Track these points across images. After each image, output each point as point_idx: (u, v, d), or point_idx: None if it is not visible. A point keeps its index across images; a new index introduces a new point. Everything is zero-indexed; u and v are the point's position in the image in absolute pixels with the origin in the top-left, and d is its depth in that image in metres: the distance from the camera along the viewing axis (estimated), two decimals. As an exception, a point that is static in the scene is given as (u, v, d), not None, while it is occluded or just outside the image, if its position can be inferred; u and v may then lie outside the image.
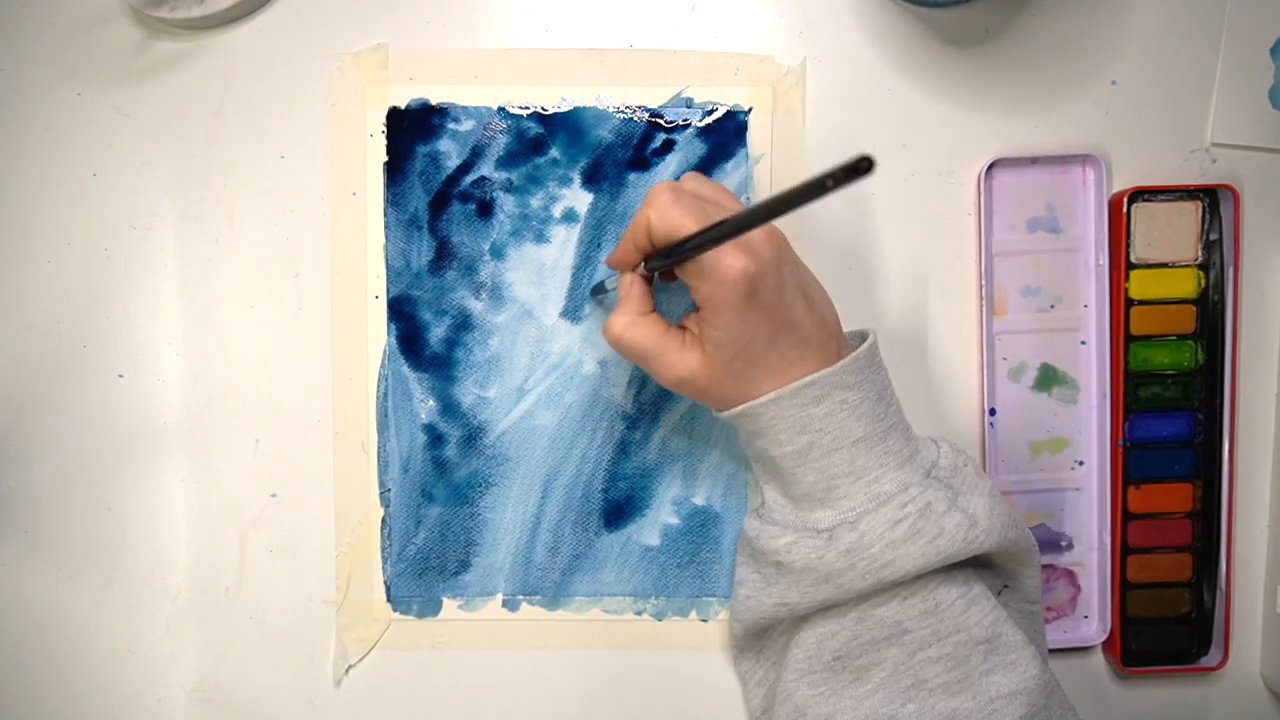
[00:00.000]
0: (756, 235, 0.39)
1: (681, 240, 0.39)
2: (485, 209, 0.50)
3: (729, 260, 0.38)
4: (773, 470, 0.44)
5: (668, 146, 0.50)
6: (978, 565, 0.43)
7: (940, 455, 0.43)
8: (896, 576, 0.40)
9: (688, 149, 0.50)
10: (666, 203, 0.40)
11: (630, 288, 0.43)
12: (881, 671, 0.41)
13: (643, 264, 0.43)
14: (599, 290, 0.50)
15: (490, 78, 0.50)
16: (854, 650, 0.42)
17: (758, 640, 0.47)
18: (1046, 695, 0.41)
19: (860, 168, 0.27)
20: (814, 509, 0.42)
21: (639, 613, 0.51)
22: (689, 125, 0.50)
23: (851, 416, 0.41)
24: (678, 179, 0.48)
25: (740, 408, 0.42)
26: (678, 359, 0.42)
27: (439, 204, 0.50)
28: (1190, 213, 0.49)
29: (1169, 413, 0.50)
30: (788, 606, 0.42)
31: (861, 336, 0.44)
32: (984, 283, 0.50)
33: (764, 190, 0.50)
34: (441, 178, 0.50)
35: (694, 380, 0.42)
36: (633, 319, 0.42)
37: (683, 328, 0.43)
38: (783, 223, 0.50)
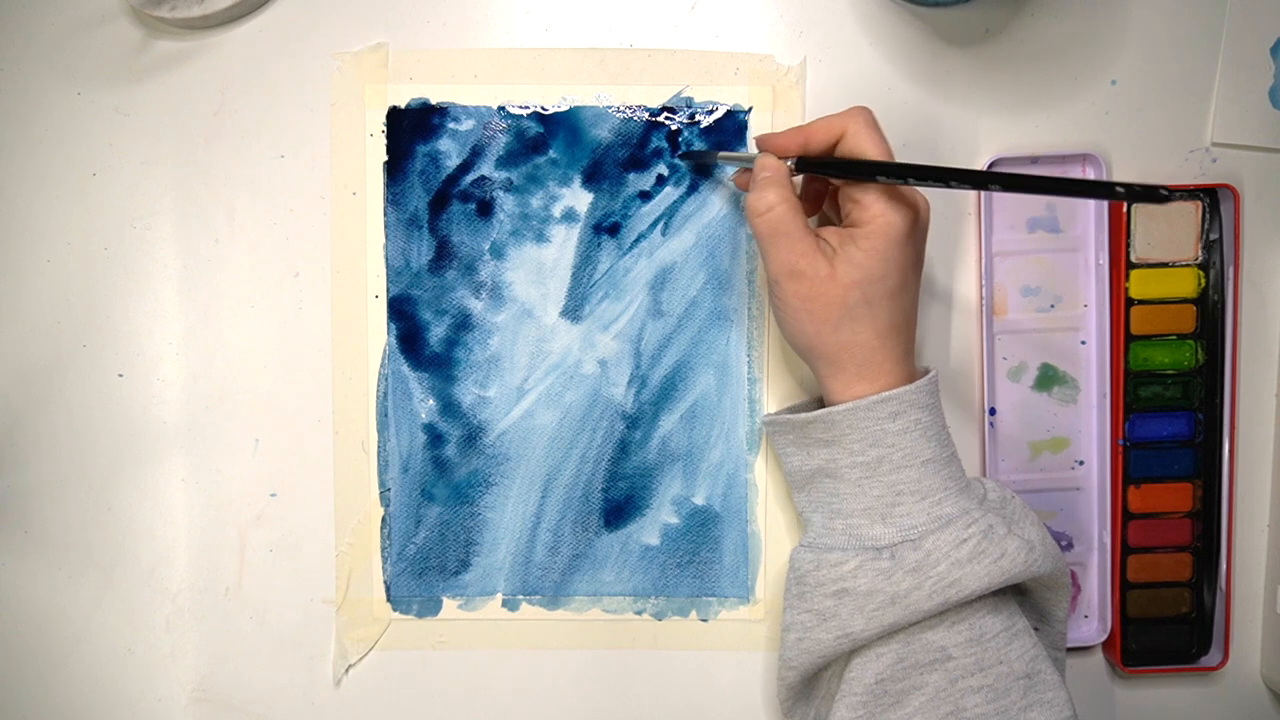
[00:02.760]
0: (922, 199, 0.42)
1: (874, 162, 0.41)
2: (485, 209, 0.50)
3: (907, 200, 0.41)
4: (828, 488, 0.44)
5: (668, 146, 0.50)
6: (1019, 599, 0.43)
7: (988, 490, 0.44)
8: (962, 596, 0.40)
9: (687, 148, 0.50)
10: (867, 124, 0.42)
11: (779, 171, 0.43)
12: (921, 696, 0.41)
13: (793, 162, 0.43)
14: (702, 157, 0.49)
15: (490, 77, 0.50)
16: (897, 674, 0.41)
17: (809, 685, 0.45)
18: None
19: (1159, 195, 0.29)
20: (872, 525, 0.42)
21: (639, 613, 0.51)
22: (689, 125, 0.50)
23: (923, 437, 0.42)
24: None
25: (819, 412, 0.43)
26: (811, 252, 0.41)
27: (439, 204, 0.50)
28: (1190, 212, 0.49)
29: (1169, 412, 0.50)
30: (850, 637, 0.41)
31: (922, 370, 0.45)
32: (984, 282, 0.50)
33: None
34: (441, 177, 0.50)
35: (812, 279, 0.41)
36: (789, 194, 0.42)
37: (815, 233, 0.43)
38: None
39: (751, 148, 0.49)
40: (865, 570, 0.41)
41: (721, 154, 0.48)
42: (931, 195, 0.50)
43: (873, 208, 0.41)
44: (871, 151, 0.41)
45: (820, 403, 0.47)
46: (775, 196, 0.42)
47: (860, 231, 0.41)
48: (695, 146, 0.50)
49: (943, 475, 0.42)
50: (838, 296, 0.41)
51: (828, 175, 0.43)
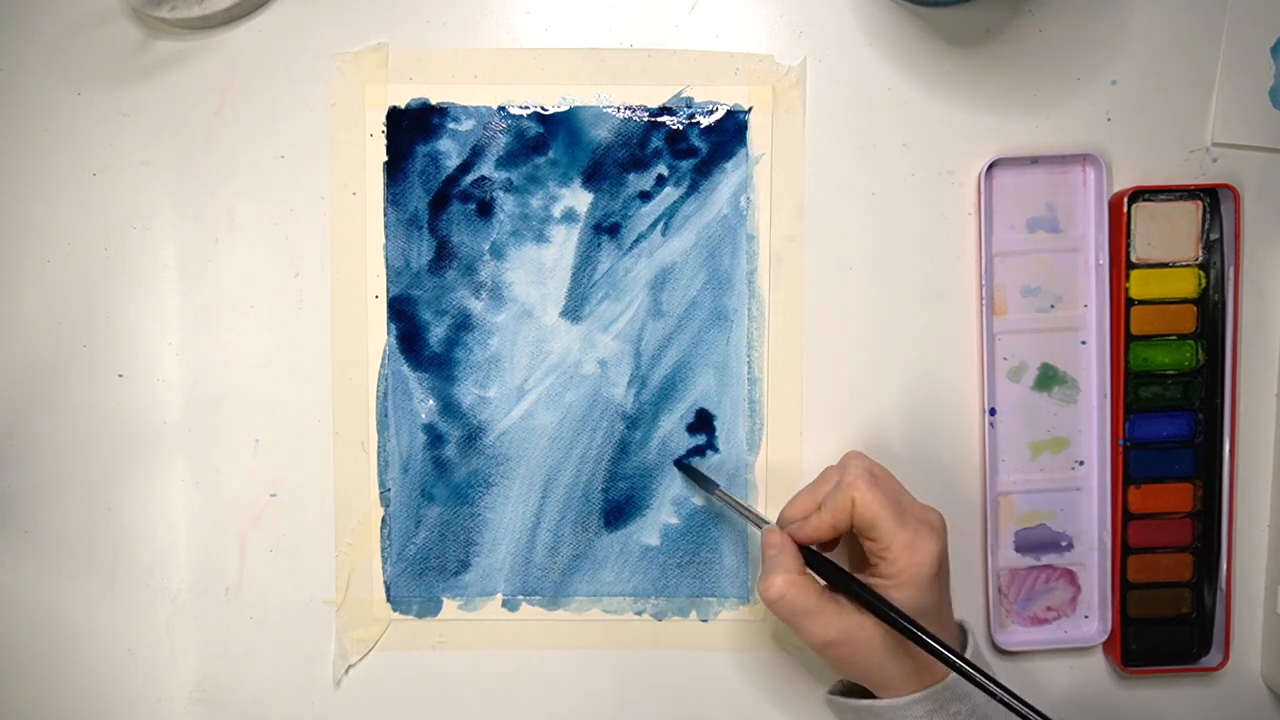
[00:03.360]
0: (935, 517, 0.43)
1: (878, 604, 0.41)
2: (485, 209, 0.50)
3: (927, 535, 0.42)
4: None
5: (668, 146, 0.50)
6: None
7: None
8: None
9: (687, 149, 0.50)
10: (867, 485, 0.42)
11: (784, 550, 0.44)
12: None
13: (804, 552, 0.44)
14: (697, 476, 0.49)
15: (490, 78, 0.50)
16: None
17: None
18: None
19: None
20: None
21: (639, 613, 0.51)
22: (689, 125, 0.50)
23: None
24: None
25: (864, 702, 0.43)
26: (836, 619, 0.42)
27: (439, 204, 0.50)
28: (1190, 212, 0.49)
29: (1169, 412, 0.50)
30: None
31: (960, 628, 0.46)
32: (984, 282, 0.50)
33: (763, 190, 0.50)
34: (441, 177, 0.50)
35: (848, 641, 0.42)
36: (794, 578, 0.42)
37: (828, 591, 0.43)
38: (782, 216, 0.50)
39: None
40: None
41: (720, 491, 0.48)
42: (931, 195, 0.50)
43: (899, 560, 0.42)
44: (883, 516, 0.42)
45: None
46: (783, 583, 0.42)
47: (890, 584, 0.42)
48: (694, 147, 0.50)
49: None
50: (879, 644, 0.42)
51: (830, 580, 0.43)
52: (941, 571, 0.43)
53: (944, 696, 0.42)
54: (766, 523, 0.46)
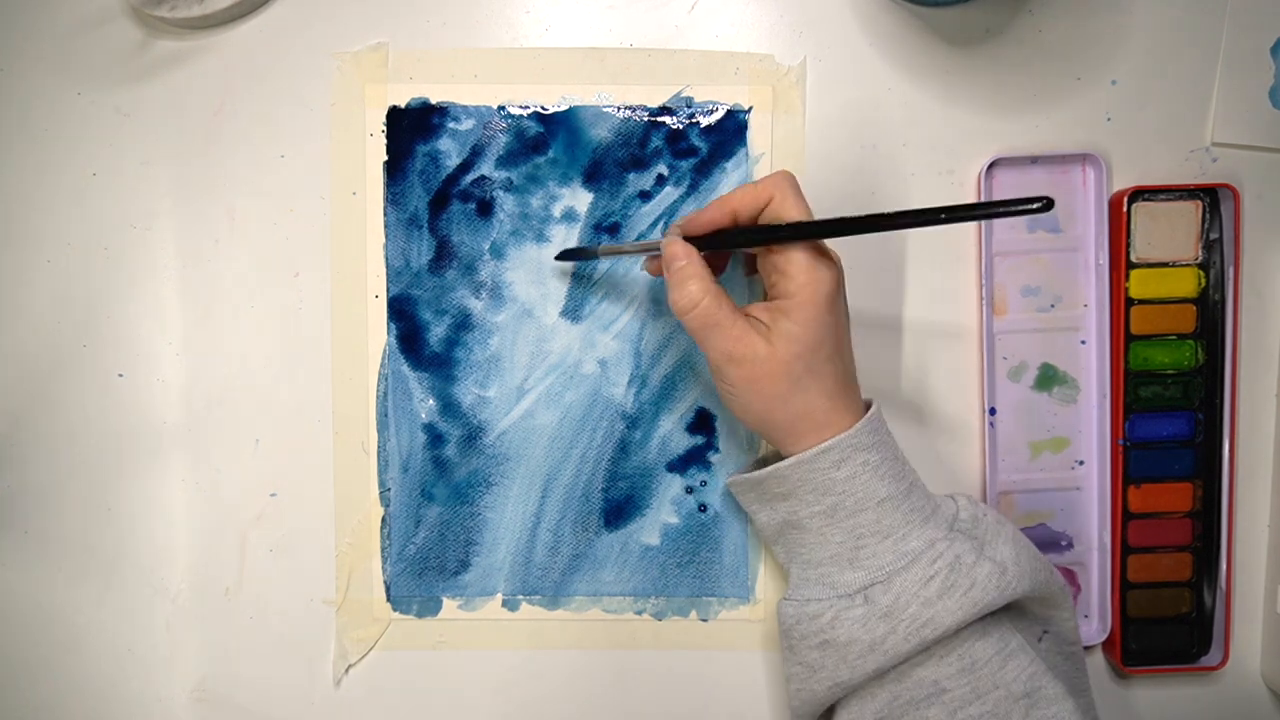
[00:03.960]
0: (835, 254, 0.42)
1: (787, 225, 0.40)
2: (485, 208, 0.50)
3: (828, 260, 0.41)
4: (796, 539, 0.44)
5: (668, 146, 0.50)
6: (1013, 615, 0.43)
7: (959, 509, 0.43)
8: (938, 634, 0.40)
9: (687, 148, 0.50)
10: (792, 187, 0.41)
11: (692, 261, 0.42)
12: None
13: (704, 240, 0.43)
14: (581, 256, 0.48)
15: (490, 77, 0.50)
16: (894, 712, 0.41)
17: None
18: None
19: (1038, 205, 0.31)
20: (843, 571, 0.42)
21: (639, 613, 0.51)
22: (689, 125, 0.50)
23: (874, 477, 0.41)
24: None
25: (768, 469, 0.43)
26: (746, 335, 0.41)
27: (439, 203, 0.50)
28: (1190, 212, 0.49)
29: (1169, 412, 0.50)
30: (841, 685, 0.42)
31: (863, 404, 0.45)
32: (984, 282, 0.50)
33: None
34: (441, 177, 0.50)
35: (751, 361, 0.41)
36: (710, 285, 0.42)
37: (745, 313, 0.43)
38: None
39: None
40: (842, 620, 0.41)
41: (604, 247, 0.48)
42: (931, 195, 0.50)
43: (798, 277, 0.40)
44: (797, 217, 0.41)
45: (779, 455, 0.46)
46: (698, 290, 0.41)
47: (790, 303, 0.41)
48: (694, 147, 0.50)
49: (903, 510, 0.42)
50: (782, 372, 0.41)
51: (737, 248, 0.42)
52: (840, 302, 0.42)
53: (849, 445, 0.41)
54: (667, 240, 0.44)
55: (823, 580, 0.43)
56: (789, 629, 0.44)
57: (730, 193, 0.42)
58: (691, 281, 0.41)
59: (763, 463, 0.49)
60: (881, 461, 0.42)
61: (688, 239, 0.43)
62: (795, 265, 0.41)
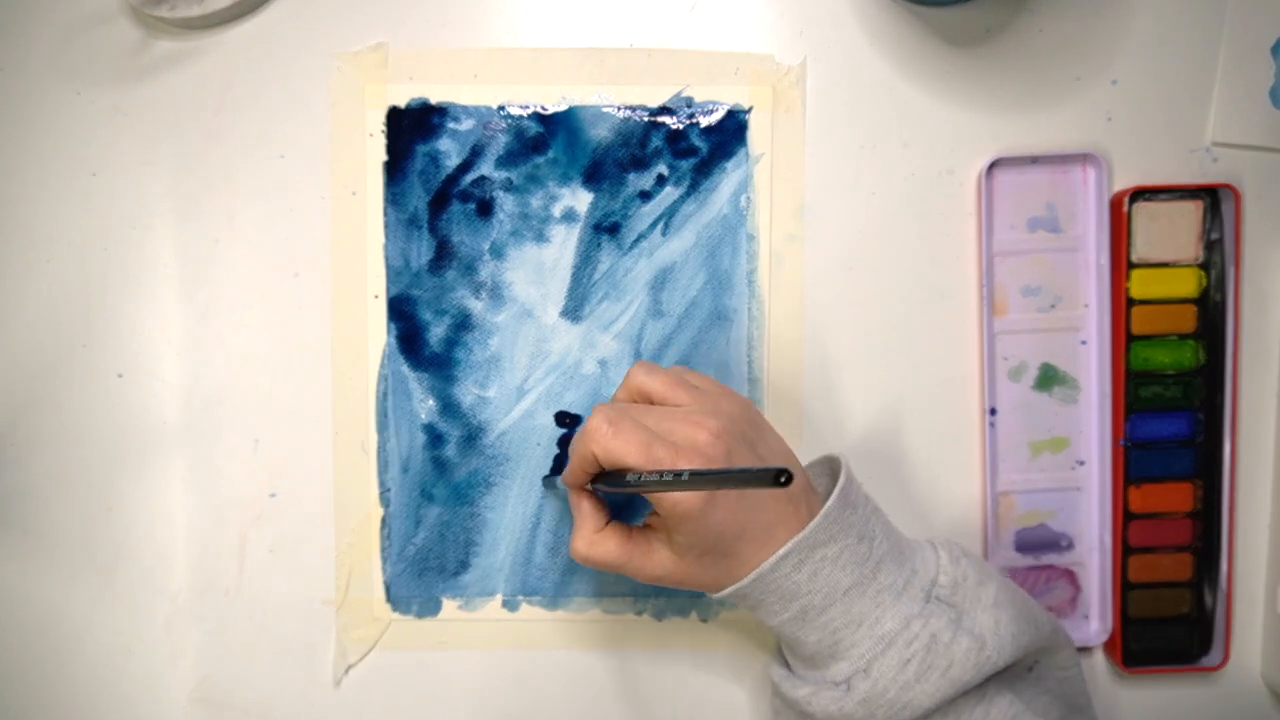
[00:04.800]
0: (704, 437, 0.39)
1: (623, 479, 0.39)
2: (485, 208, 0.50)
3: (665, 500, 0.39)
4: (781, 635, 0.44)
5: (668, 146, 0.50)
6: None
7: (939, 569, 0.43)
8: (916, 716, 0.40)
9: (688, 148, 0.50)
10: (605, 435, 0.39)
11: (580, 504, 0.44)
12: None
13: (591, 484, 0.43)
14: (550, 484, 0.50)
15: (490, 77, 0.50)
16: None
17: None
18: None
19: (779, 480, 0.29)
20: (828, 665, 0.42)
21: (639, 613, 0.51)
22: (689, 125, 0.50)
23: (835, 568, 0.41)
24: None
25: (729, 590, 0.42)
26: (649, 562, 0.42)
27: (439, 203, 0.50)
28: (1191, 212, 0.49)
29: (1170, 412, 0.50)
30: None
31: (829, 463, 0.45)
32: (984, 282, 0.50)
33: (763, 189, 0.50)
34: (441, 177, 0.50)
35: (670, 578, 0.42)
36: (591, 537, 0.43)
37: (648, 526, 0.44)
38: (782, 216, 0.50)
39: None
40: (819, 698, 0.41)
41: (546, 479, 0.50)
42: (931, 195, 0.50)
43: (661, 506, 0.40)
44: (629, 456, 0.39)
45: None
46: (583, 545, 0.43)
47: (669, 522, 0.40)
48: (694, 147, 0.50)
49: (870, 593, 0.41)
50: (697, 568, 0.41)
51: (617, 493, 0.42)
52: (719, 503, 0.40)
53: (806, 545, 0.40)
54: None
55: (812, 666, 0.43)
56: (775, 690, 0.45)
57: (580, 450, 0.41)
58: (576, 535, 0.43)
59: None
60: (841, 551, 0.41)
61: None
62: (656, 497, 0.40)
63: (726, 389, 0.45)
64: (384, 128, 0.50)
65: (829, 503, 0.41)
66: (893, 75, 0.50)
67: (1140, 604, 0.50)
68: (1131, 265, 0.49)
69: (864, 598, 0.41)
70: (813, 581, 0.41)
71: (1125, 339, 0.49)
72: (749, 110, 0.50)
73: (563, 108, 0.50)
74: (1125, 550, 0.50)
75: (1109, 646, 0.50)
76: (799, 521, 0.41)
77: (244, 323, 0.50)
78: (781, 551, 0.40)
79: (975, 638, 0.40)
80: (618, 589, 0.51)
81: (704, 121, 0.50)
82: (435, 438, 0.50)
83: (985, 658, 0.40)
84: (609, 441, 0.39)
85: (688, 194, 0.50)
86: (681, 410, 0.42)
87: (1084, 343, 0.50)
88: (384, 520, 0.51)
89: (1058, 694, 0.43)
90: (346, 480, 0.51)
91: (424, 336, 0.50)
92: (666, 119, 0.50)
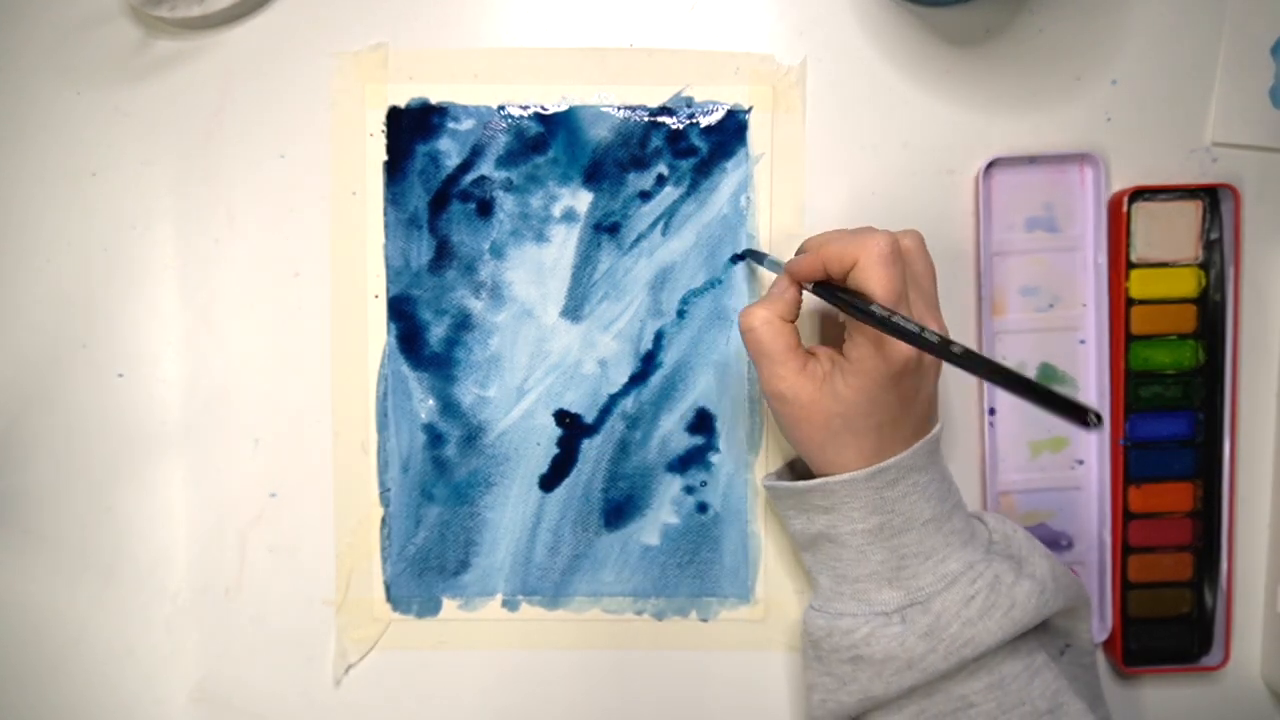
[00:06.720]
0: (933, 326, 0.41)
1: (869, 309, 0.38)
2: (485, 208, 0.50)
3: (902, 346, 0.39)
4: (831, 552, 0.43)
5: (668, 146, 0.50)
6: (1038, 631, 0.43)
7: (991, 530, 0.44)
8: (978, 654, 0.40)
9: (687, 148, 0.50)
10: (879, 258, 0.39)
11: (785, 290, 0.43)
12: None
13: (813, 284, 0.42)
14: (756, 257, 0.49)
15: (490, 77, 0.50)
16: None
17: None
18: None
19: (1087, 420, 0.29)
20: (880, 589, 0.42)
21: (639, 613, 0.51)
22: (689, 125, 0.50)
23: (922, 498, 0.42)
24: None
25: (815, 481, 0.42)
26: (793, 377, 0.42)
27: (439, 203, 0.50)
28: (1190, 212, 0.49)
29: (1169, 412, 0.50)
30: (872, 699, 0.42)
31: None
32: (983, 282, 0.50)
33: (763, 190, 0.50)
34: (441, 177, 0.50)
35: (794, 404, 0.42)
36: (774, 318, 0.42)
37: (810, 352, 0.43)
38: (782, 216, 0.50)
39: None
40: (878, 637, 0.41)
41: (752, 251, 0.49)
42: (930, 194, 0.50)
43: (863, 348, 0.40)
44: (876, 289, 0.39)
45: None
46: (759, 318, 0.42)
47: (850, 367, 0.41)
48: (694, 147, 0.50)
49: (944, 531, 0.42)
50: (820, 422, 0.41)
51: (840, 308, 0.41)
52: (906, 381, 0.41)
53: (905, 465, 0.41)
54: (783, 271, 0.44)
55: (857, 596, 0.43)
56: (818, 640, 0.43)
57: (828, 242, 0.41)
58: (761, 307, 0.42)
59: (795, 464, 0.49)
60: (930, 482, 0.42)
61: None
62: (864, 335, 0.40)
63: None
64: (384, 127, 0.50)
65: (932, 431, 0.43)
66: (893, 75, 0.50)
67: (1140, 604, 0.50)
68: (1131, 265, 0.49)
69: (938, 534, 0.42)
70: (899, 502, 0.41)
71: (1125, 339, 0.49)
72: (749, 110, 0.50)
73: (563, 108, 0.50)
74: (1125, 550, 0.50)
75: (1109, 646, 0.50)
76: (875, 460, 0.42)
77: (244, 323, 0.50)
78: (887, 463, 0.41)
79: (1036, 581, 0.41)
80: (618, 589, 0.51)
81: (704, 121, 0.50)
82: (435, 437, 0.50)
83: (1045, 600, 0.41)
84: (878, 267, 0.39)
85: (688, 194, 0.50)
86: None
87: (1082, 342, 0.50)
88: (384, 520, 0.51)
89: (1084, 681, 0.44)
90: (346, 480, 0.51)
91: (424, 336, 0.50)
92: (666, 119, 0.50)
